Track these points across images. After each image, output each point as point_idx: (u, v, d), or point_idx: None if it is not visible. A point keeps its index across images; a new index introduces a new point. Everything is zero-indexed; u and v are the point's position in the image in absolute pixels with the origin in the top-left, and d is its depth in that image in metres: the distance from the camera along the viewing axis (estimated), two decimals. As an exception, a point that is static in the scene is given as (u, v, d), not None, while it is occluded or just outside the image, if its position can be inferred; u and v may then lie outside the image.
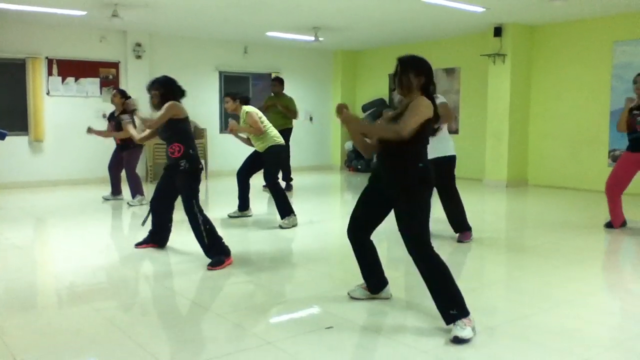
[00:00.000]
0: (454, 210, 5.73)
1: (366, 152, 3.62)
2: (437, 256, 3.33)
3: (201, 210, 4.87)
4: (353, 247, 3.79)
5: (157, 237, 5.40)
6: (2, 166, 9.08)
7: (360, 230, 3.73)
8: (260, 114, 6.74)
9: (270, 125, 6.80)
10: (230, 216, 7.09)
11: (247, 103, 6.78)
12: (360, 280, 3.96)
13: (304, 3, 8.33)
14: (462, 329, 3.17)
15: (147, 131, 5.28)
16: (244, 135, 6.84)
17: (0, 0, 8.04)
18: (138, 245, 5.44)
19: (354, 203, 3.72)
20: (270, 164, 6.66)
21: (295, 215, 6.59)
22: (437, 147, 5.56)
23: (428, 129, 3.36)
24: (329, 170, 13.63)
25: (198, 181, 4.97)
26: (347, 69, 13.75)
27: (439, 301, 3.31)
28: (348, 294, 3.96)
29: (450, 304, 3.26)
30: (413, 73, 3.37)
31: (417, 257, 3.35)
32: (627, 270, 5.22)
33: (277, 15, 9.25)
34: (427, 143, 3.43)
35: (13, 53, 9.86)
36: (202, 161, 11.10)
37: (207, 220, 4.87)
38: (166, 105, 4.89)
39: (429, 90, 3.41)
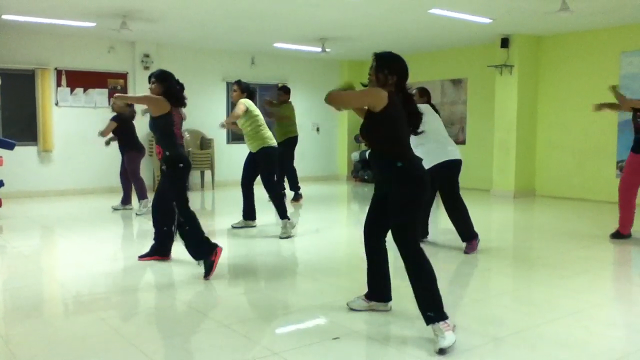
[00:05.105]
0: (458, 219, 5.72)
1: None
2: (424, 255, 3.38)
3: (183, 210, 4.83)
4: (366, 249, 3.83)
5: (160, 248, 5.35)
6: (11, 176, 9.13)
7: (373, 231, 3.77)
8: (256, 110, 6.64)
9: (265, 125, 6.69)
10: (233, 227, 7.03)
11: (250, 97, 6.74)
12: (364, 290, 3.95)
13: (311, 14, 8.38)
14: (443, 339, 3.17)
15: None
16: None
17: (10, 11, 8.14)
18: (142, 257, 5.39)
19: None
20: (264, 167, 6.63)
21: (290, 220, 6.52)
22: (436, 152, 5.53)
23: (398, 129, 3.42)
24: (335, 180, 13.63)
25: (182, 180, 4.91)
26: (354, 79, 13.71)
27: (420, 301, 3.36)
28: (347, 304, 3.95)
29: (430, 306, 3.30)
30: (387, 70, 3.51)
31: (405, 253, 3.38)
32: (634, 281, 5.18)
33: (285, 26, 9.30)
34: (405, 144, 3.46)
35: (22, 64, 9.94)
36: (209, 171, 11.28)
37: (189, 221, 4.82)
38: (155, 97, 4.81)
39: (403, 87, 3.55)
